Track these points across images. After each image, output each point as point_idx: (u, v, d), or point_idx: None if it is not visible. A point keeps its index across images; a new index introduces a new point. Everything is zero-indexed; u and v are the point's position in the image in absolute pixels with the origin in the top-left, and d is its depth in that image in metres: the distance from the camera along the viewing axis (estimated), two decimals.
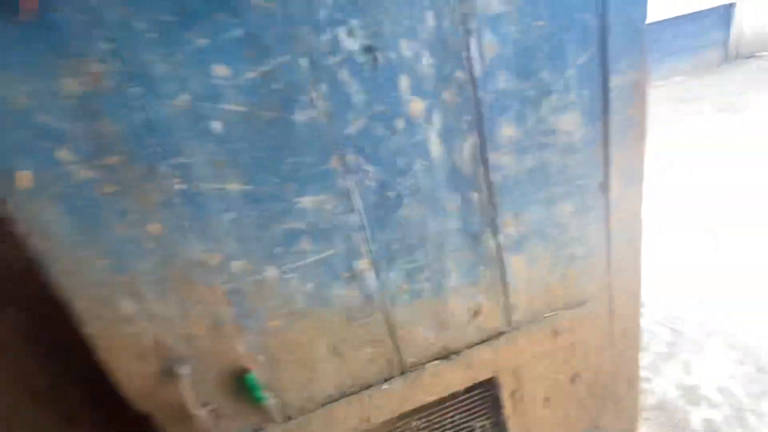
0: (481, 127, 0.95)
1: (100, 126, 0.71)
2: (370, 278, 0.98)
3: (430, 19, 0.84)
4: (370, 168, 0.90)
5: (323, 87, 0.81)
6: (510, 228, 1.06)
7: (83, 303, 0.81)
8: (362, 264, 0.96)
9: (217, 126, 0.78)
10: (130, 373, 0.88)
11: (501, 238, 1.06)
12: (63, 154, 0.71)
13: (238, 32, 0.73)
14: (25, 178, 0.70)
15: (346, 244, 0.93)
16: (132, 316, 0.84)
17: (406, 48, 0.84)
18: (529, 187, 1.04)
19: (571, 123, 1.01)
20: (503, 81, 0.94)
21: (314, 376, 1.03)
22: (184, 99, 0.74)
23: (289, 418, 1.05)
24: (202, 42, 0.72)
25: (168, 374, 0.88)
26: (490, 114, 0.95)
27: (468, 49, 0.88)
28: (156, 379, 0.89)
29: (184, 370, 0.87)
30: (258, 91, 0.77)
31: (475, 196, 1.01)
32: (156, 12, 0.68)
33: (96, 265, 0.79)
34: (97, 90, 0.69)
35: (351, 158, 0.88)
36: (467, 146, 0.96)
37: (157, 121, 0.74)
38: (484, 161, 0.97)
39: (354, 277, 0.96)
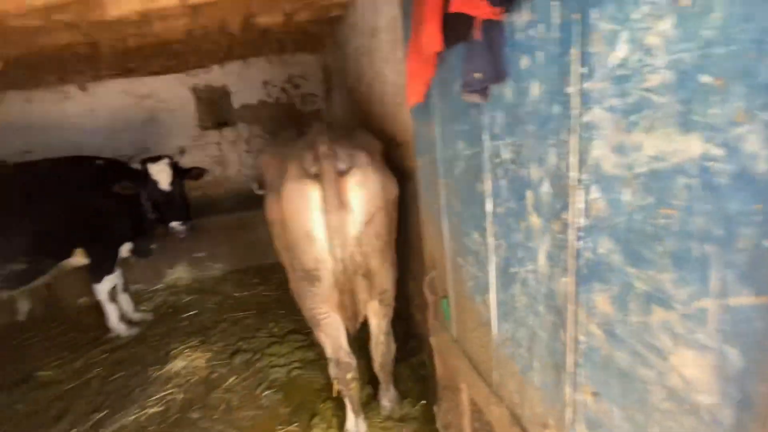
0: (577, 277, 0.86)
1: None
2: None
3: (552, 157, 0.87)
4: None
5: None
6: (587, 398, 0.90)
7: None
8: None
9: None
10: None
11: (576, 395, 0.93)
12: None
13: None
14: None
15: None
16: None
17: (535, 171, 0.94)
18: (616, 382, 0.80)
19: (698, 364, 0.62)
20: (604, 248, 0.76)
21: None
22: None
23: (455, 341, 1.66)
24: None
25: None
26: (585, 272, 0.82)
27: (573, 196, 0.81)
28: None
29: (433, 273, 1.67)
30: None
31: (561, 332, 0.95)
32: None
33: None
34: None
35: None
36: (562, 284, 0.91)
37: None
38: (575, 314, 0.88)
39: None
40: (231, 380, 2.77)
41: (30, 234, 2.82)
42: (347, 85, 3.52)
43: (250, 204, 5.16)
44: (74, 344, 3.48)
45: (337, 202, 1.47)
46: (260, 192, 4.11)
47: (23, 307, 3.96)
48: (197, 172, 3.37)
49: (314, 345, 3.06)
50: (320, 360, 2.89)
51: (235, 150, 5.41)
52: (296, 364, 2.86)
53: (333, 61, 4.10)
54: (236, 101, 5.31)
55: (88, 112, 4.94)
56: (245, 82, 5.24)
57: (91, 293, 4.03)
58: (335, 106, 4.82)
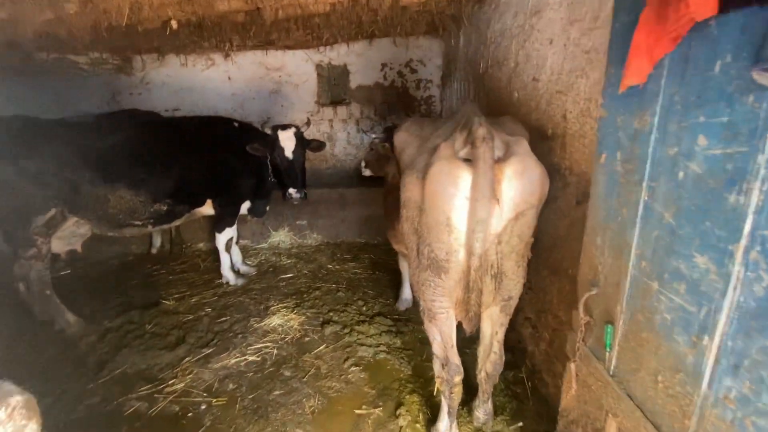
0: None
1: None
2: None
3: None
4: None
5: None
6: None
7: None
8: None
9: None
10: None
11: None
12: None
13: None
14: None
15: None
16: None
17: None
18: None
19: None
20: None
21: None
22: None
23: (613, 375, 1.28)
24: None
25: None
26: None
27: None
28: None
29: (594, 290, 1.33)
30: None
31: None
32: None
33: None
34: None
35: None
36: None
37: None
38: None
39: None
40: (321, 348, 2.86)
41: (175, 179, 3.20)
42: (476, 71, 3.33)
43: (351, 182, 5.35)
44: (191, 282, 3.93)
45: (488, 191, 1.34)
46: (366, 172, 4.20)
47: (156, 242, 4.59)
48: (317, 144, 3.51)
49: (401, 333, 3.03)
50: (406, 349, 2.84)
51: (345, 128, 5.58)
52: (383, 348, 2.85)
53: (461, 46, 3.92)
54: (354, 81, 5.44)
55: (226, 80, 5.48)
56: (365, 62, 5.33)
57: (208, 240, 4.53)
58: (451, 94, 4.65)
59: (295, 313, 3.28)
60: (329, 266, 4.18)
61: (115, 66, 5.18)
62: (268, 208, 3.97)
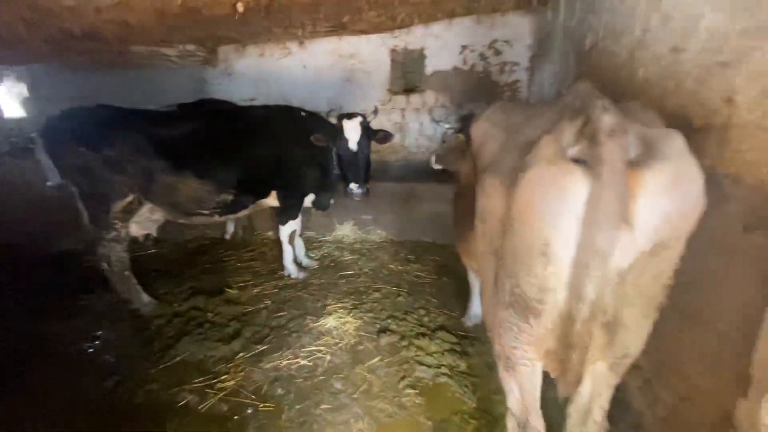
0: None
1: None
2: None
3: None
4: None
5: None
6: None
7: None
8: None
9: None
10: None
11: None
12: None
13: None
14: None
15: None
16: None
17: None
18: None
19: None
20: None
21: None
22: None
23: None
24: None
25: None
26: None
27: None
28: None
29: None
30: None
31: None
32: None
33: None
34: None
35: None
36: None
37: None
38: None
39: None
40: (375, 360, 2.61)
41: (240, 170, 3.16)
42: (580, 48, 2.73)
43: (421, 176, 4.99)
44: (256, 271, 3.95)
45: (614, 210, 0.90)
46: (437, 166, 3.82)
47: (230, 228, 4.74)
48: (384, 135, 3.22)
49: (466, 354, 2.64)
50: (472, 375, 2.45)
51: (417, 118, 5.22)
52: (444, 370, 2.49)
53: (561, 18, 3.29)
54: (430, 66, 5.03)
55: (300, 68, 5.44)
56: (443, 45, 4.88)
57: (277, 229, 4.54)
58: (543, 78, 4.01)
59: (351, 316, 3.07)
60: (391, 266, 3.91)
61: (202, 58, 5.43)
62: (332, 201, 3.81)
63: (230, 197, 3.17)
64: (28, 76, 5.95)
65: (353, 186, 3.07)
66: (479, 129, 1.49)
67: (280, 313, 3.19)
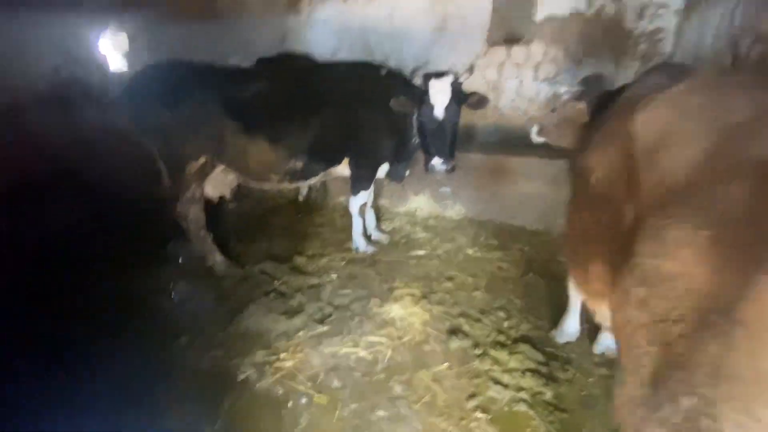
0: None
1: None
2: None
3: None
4: None
5: None
6: None
7: None
8: None
9: None
10: None
11: None
12: None
13: None
14: None
15: None
16: None
17: None
18: None
19: None
20: None
21: None
22: None
23: None
24: None
25: None
26: None
27: None
28: None
29: None
30: None
31: None
32: None
33: None
34: None
35: None
36: None
37: None
38: None
39: None
40: (442, 367, 2.29)
41: (311, 135, 2.88)
42: None
43: (514, 147, 4.29)
44: (325, 239, 3.80)
45: None
46: (539, 139, 3.13)
47: (304, 190, 4.64)
48: (478, 100, 2.64)
49: (554, 379, 2.18)
50: (560, 409, 2.01)
51: (517, 75, 4.39)
52: (524, 395, 2.09)
53: None
54: (541, 11, 4.10)
55: (386, 16, 4.86)
56: None
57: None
58: (703, 25, 2.96)
59: (419, 307, 2.76)
60: (469, 251, 3.46)
61: (285, 5, 5.14)
62: (408, 172, 3.40)
63: (300, 164, 2.94)
64: (130, 26, 6.26)
65: (437, 162, 2.60)
66: (654, 118, 0.92)
67: (345, 291, 3.00)
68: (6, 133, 3.63)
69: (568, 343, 2.41)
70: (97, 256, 3.34)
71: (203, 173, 2.94)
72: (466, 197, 4.05)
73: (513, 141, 4.37)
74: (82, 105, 4.49)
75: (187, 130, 2.75)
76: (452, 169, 2.64)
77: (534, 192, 3.83)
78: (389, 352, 2.41)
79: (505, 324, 2.60)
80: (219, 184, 3.11)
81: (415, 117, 2.74)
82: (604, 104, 2.18)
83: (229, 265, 3.29)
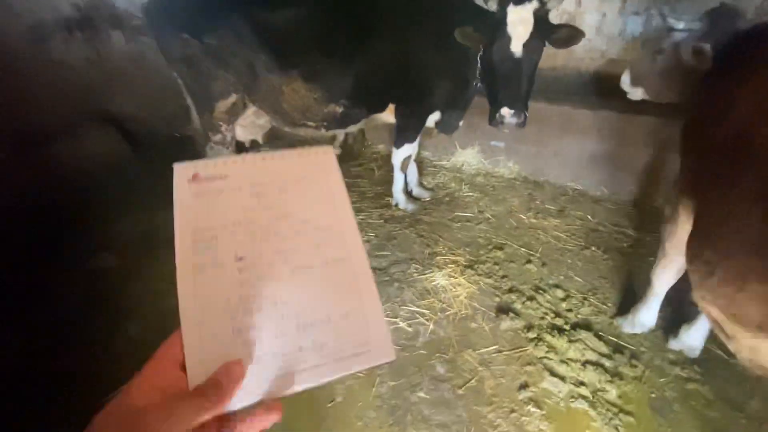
0: None
1: None
2: None
3: None
4: None
5: None
6: None
7: None
8: None
9: None
10: None
11: None
12: None
13: None
14: None
15: None
16: None
17: None
18: None
19: None
20: None
21: None
22: None
23: None
24: None
25: None
26: None
27: None
28: None
29: None
30: None
31: None
32: None
33: None
34: None
35: None
36: None
37: None
38: None
39: None
40: (490, 349, 2.07)
41: (354, 75, 2.46)
42: None
43: (585, 96, 3.66)
44: (362, 192, 3.52)
45: None
46: (632, 89, 2.57)
47: (340, 137, 4.27)
48: (568, 35, 2.07)
49: (620, 376, 1.91)
50: (625, 411, 1.77)
51: (599, 8, 3.62)
52: (584, 391, 1.86)
53: None
54: None
55: None
56: None
57: (390, 142, 3.93)
58: None
59: (464, 278, 2.50)
60: (522, 216, 3.09)
61: None
62: (461, 123, 2.95)
63: (340, 109, 2.57)
64: None
65: (506, 112, 2.13)
66: None
67: (383, 252, 2.77)
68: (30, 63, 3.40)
69: (636, 334, 2.11)
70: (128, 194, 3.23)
71: (234, 114, 2.64)
72: (522, 153, 3.58)
73: (583, 87, 3.75)
74: (107, 30, 4.16)
75: (216, 62, 2.40)
76: (523, 123, 2.19)
77: (602, 152, 3.32)
78: (431, 326, 2.21)
79: (563, 305, 2.31)
80: (250, 126, 2.82)
81: (480, 54, 2.24)
82: (739, 49, 1.65)
83: None
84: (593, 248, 2.75)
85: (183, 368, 0.46)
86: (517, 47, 2.04)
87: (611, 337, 2.12)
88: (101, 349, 2.09)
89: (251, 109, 2.67)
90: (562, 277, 2.52)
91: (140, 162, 3.63)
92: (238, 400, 0.45)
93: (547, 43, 2.11)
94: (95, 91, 3.73)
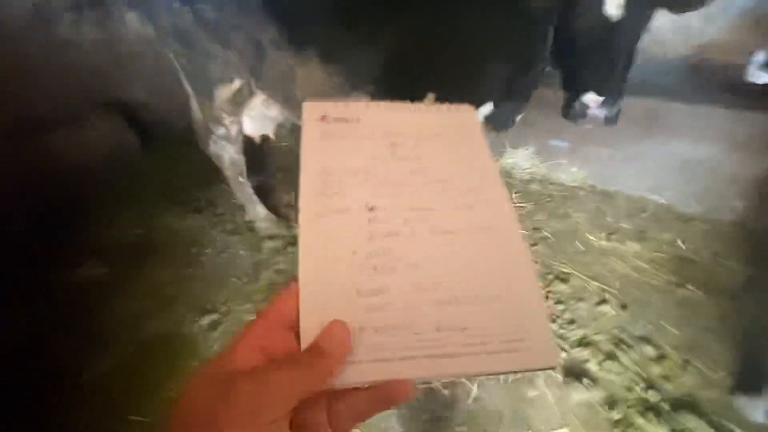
0: None
1: None
2: None
3: None
4: None
5: None
6: None
7: None
8: None
9: None
10: None
11: None
12: None
13: None
14: None
15: None
16: None
17: None
18: None
19: None
20: None
21: None
22: None
23: None
24: None
25: None
26: None
27: None
28: None
29: None
30: None
31: None
32: None
33: None
34: None
35: None
36: None
37: None
38: None
39: None
40: (556, 431, 1.51)
41: (383, 55, 1.91)
42: None
43: (677, 89, 2.92)
44: None
45: None
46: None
47: None
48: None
49: None
50: None
51: None
52: None
53: None
54: None
55: None
56: None
57: None
58: None
59: None
60: (589, 236, 2.46)
61: None
62: (519, 117, 2.34)
63: (366, 97, 2.04)
64: None
65: (592, 98, 1.53)
66: None
67: None
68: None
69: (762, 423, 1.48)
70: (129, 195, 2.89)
71: (239, 103, 2.18)
72: (590, 156, 2.91)
73: (665, 81, 3.00)
74: (120, 9, 3.84)
75: (214, 37, 1.94)
76: (616, 118, 1.58)
77: (696, 157, 2.61)
78: (475, 390, 1.67)
79: (656, 370, 1.70)
80: (259, 118, 2.35)
81: (553, 23, 1.63)
82: None
83: (273, 221, 2.67)
84: (689, 286, 2.10)
85: (295, 330, 0.39)
86: (613, 8, 1.43)
87: (729, 424, 1.50)
88: (69, 384, 1.73)
89: (259, 98, 2.20)
90: (651, 327, 1.89)
91: (149, 156, 3.30)
92: (351, 375, 0.38)
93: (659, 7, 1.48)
94: (104, 76, 3.40)
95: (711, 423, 1.50)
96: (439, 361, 0.39)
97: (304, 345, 0.38)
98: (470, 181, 0.51)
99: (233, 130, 2.29)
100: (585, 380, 1.65)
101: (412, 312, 0.41)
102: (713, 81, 2.66)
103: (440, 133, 0.56)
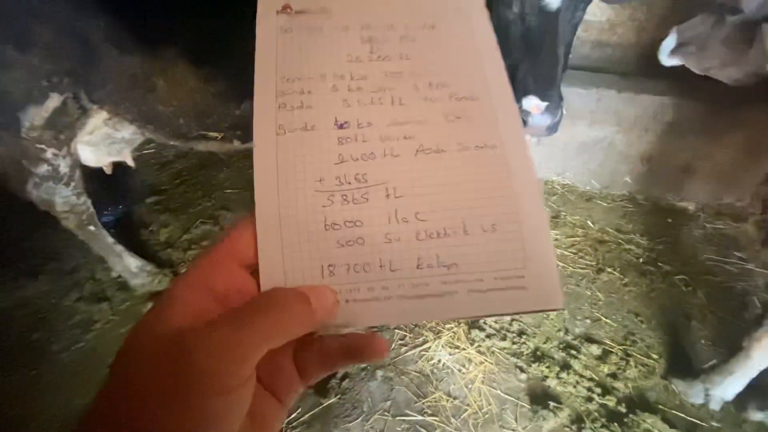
0: None
1: None
2: None
3: None
4: None
5: None
6: None
7: None
8: None
9: None
10: None
11: None
12: None
13: None
14: None
15: None
16: None
17: None
18: None
19: None
20: None
21: None
22: None
23: None
24: None
25: None
26: None
27: None
28: None
29: None
30: None
31: None
32: None
33: None
34: None
35: None
36: None
37: None
38: None
39: None
40: None
41: None
42: None
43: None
44: None
45: None
46: (672, 61, 1.87)
47: None
48: None
49: None
50: None
51: None
52: None
53: None
54: None
55: None
56: None
57: None
58: None
59: (473, 345, 1.79)
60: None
61: None
62: None
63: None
64: None
65: (534, 103, 1.35)
66: None
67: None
68: None
69: (721, 414, 1.60)
70: None
71: (65, 125, 1.48)
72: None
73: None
74: None
75: (7, 34, 1.23)
76: (556, 126, 1.43)
77: (592, 138, 2.77)
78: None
79: (604, 369, 1.72)
80: (104, 143, 1.67)
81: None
82: None
83: (150, 273, 2.02)
84: (609, 269, 2.21)
85: (252, 270, 0.33)
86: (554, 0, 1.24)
87: (679, 414, 1.58)
88: None
89: (99, 116, 1.53)
90: (588, 321, 1.93)
91: None
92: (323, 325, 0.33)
93: None
94: None
95: (664, 415, 1.56)
96: (422, 301, 0.35)
97: (265, 285, 0.33)
98: (470, 86, 0.42)
99: (62, 165, 1.58)
100: (551, 403, 1.58)
101: (391, 246, 0.36)
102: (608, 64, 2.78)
103: (433, 24, 0.45)
